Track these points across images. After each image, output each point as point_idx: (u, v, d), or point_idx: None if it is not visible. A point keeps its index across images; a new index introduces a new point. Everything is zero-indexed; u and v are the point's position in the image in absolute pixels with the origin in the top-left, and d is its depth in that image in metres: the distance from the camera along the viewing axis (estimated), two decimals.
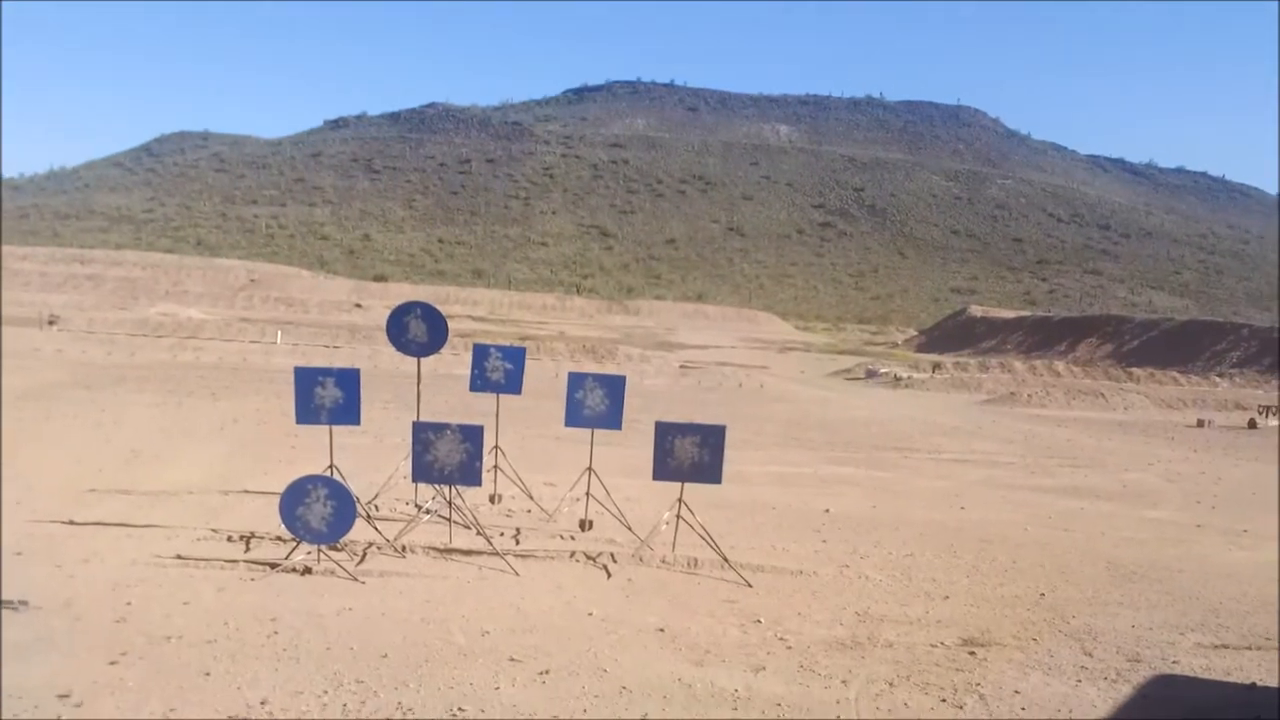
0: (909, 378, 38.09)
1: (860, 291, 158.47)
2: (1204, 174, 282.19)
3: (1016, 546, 10.71)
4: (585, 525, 9.72)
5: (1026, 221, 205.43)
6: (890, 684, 6.43)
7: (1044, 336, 71.39)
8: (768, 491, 12.76)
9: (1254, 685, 6.82)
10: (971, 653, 7.13)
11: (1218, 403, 36.33)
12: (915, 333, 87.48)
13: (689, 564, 8.86)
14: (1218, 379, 49.33)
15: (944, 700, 6.20)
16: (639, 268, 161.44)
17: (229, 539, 8.75)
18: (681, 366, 35.59)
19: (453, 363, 21.83)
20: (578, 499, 10.05)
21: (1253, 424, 29.78)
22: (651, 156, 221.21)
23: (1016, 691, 6.42)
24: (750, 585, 8.40)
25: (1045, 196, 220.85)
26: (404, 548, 8.62)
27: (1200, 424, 29.25)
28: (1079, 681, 6.68)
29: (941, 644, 7.29)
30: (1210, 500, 14.80)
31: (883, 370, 39.57)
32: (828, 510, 11.86)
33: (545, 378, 14.89)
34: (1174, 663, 7.19)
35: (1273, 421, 30.95)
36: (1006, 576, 9.36)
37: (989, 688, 6.44)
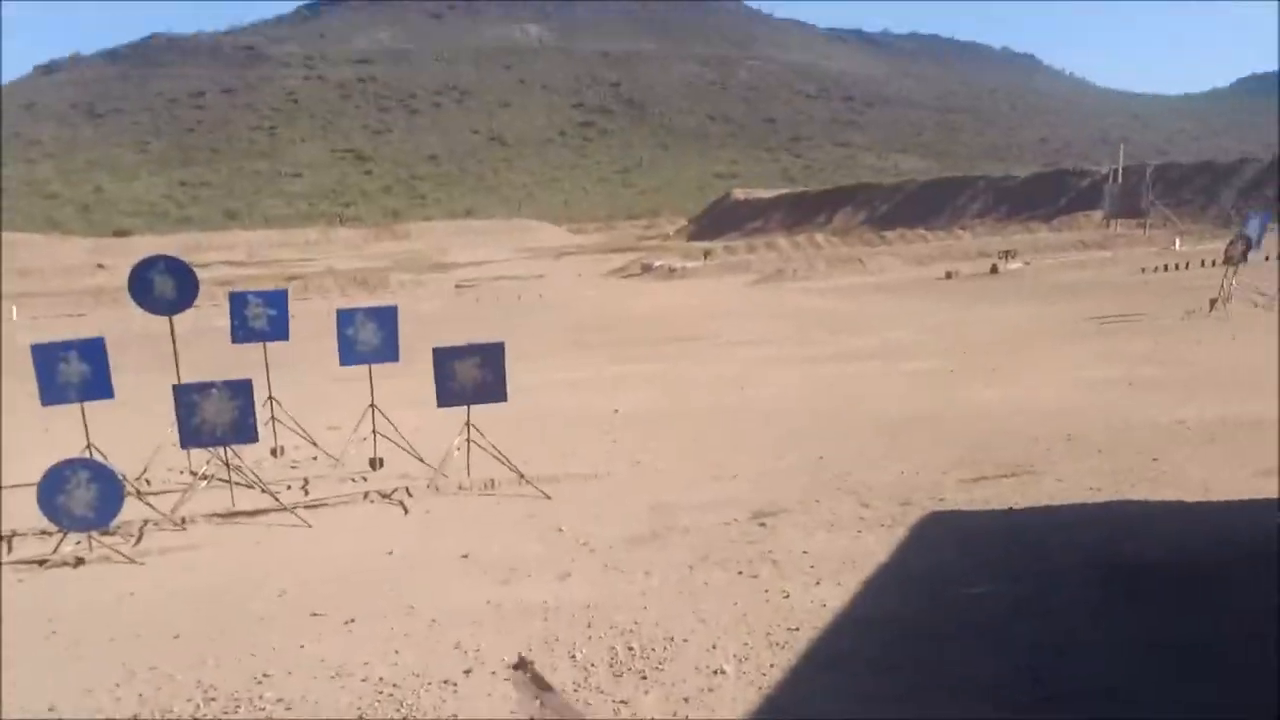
0: (683, 268, 38.99)
1: (628, 188, 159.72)
2: (934, 36, 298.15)
3: (794, 417, 11.28)
4: (376, 464, 9.55)
5: (777, 101, 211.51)
6: (690, 567, 6.70)
7: (804, 211, 74.37)
8: (556, 400, 12.88)
9: (1011, 510, 7.51)
10: (761, 524, 7.51)
11: (963, 253, 39.01)
12: (685, 222, 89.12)
13: (486, 485, 8.88)
14: (961, 231, 52.92)
15: (740, 573, 6.54)
16: (402, 189, 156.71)
17: None
18: (457, 286, 35.12)
19: (214, 315, 20.63)
20: (364, 438, 9.83)
21: (994, 269, 32.21)
22: (401, 70, 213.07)
23: (805, 552, 6.83)
24: (549, 497, 8.52)
25: (792, 74, 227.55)
26: (183, 520, 8.22)
27: (948, 275, 31.39)
28: (859, 533, 7.18)
29: (734, 520, 7.65)
30: (961, 346, 16.01)
31: (658, 263, 40.32)
32: (616, 410, 12.09)
33: (318, 317, 14.33)
34: (940, 500, 7.82)
35: (1013, 265, 33.56)
36: (787, 447, 9.86)
37: (780, 553, 6.83)
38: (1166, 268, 29.44)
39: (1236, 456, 8.70)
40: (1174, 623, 5.38)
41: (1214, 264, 24.07)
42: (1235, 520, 7.13)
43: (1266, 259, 22.54)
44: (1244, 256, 18.95)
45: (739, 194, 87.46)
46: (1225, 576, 6.01)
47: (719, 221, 78.65)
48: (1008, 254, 35.65)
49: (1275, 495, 7.54)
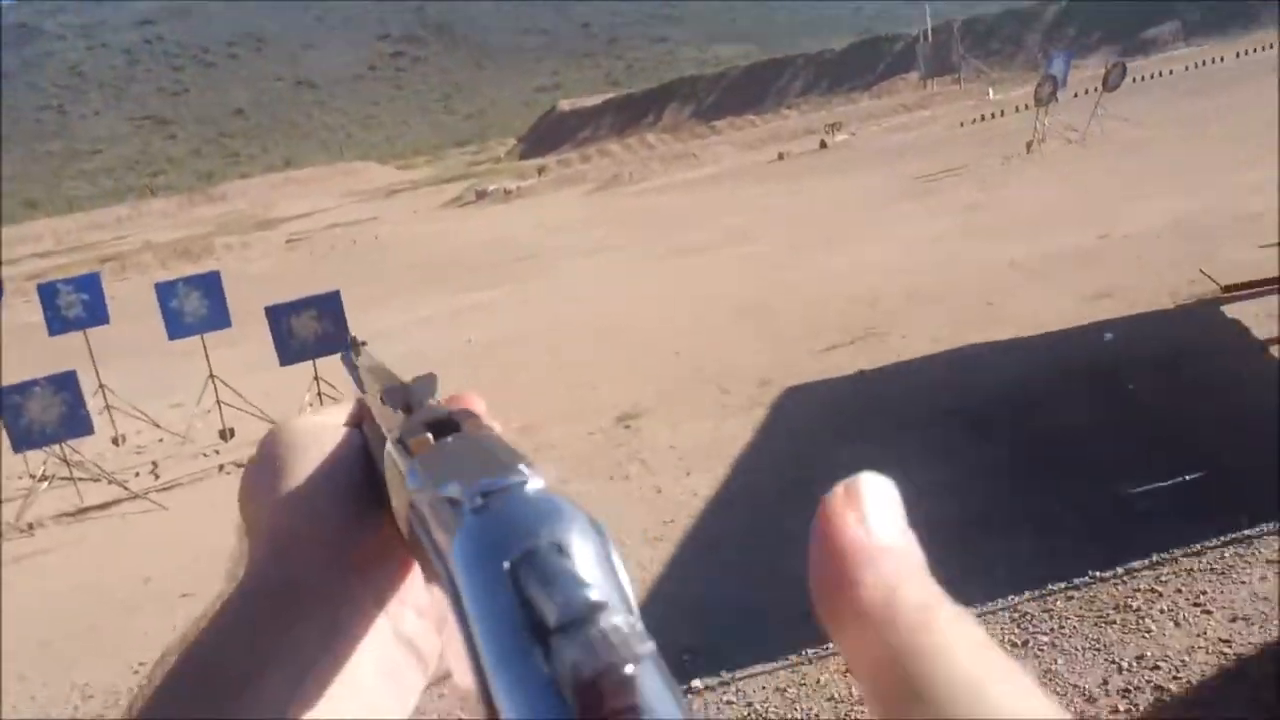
0: (518, 188, 38.47)
1: (451, 115, 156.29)
2: None
3: (645, 319, 11.34)
4: (226, 435, 9.21)
5: (589, 5, 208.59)
6: (562, 481, 6.72)
7: (632, 113, 74.13)
8: (407, 340, 12.61)
9: (861, 372, 7.76)
10: (626, 426, 7.58)
11: (791, 133, 39.57)
12: (515, 142, 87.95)
13: None
14: (787, 111, 53.66)
15: (612, 477, 6.60)
16: (211, 149, 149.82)
17: None
18: (288, 241, 33.87)
19: (27, 311, 19.46)
20: (209, 411, 9.46)
21: (823, 145, 32.79)
22: (189, 25, 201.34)
23: (672, 446, 6.93)
24: None
25: None
26: (30, 525, 7.80)
27: (780, 157, 31.81)
28: (722, 419, 7.31)
29: (600, 428, 7.69)
30: (798, 224, 16.32)
31: (492, 188, 39.65)
32: (469, 340, 11.94)
33: (143, 295, 13.61)
34: (796, 374, 8.01)
35: (840, 137, 34.22)
36: (643, 349, 9.92)
37: (647, 452, 6.91)
38: (984, 118, 30.54)
39: (1063, 287, 9.17)
40: (1021, 448, 5.69)
41: (1027, 108, 25.04)
42: (1067, 347, 7.53)
43: (1075, 96, 23.54)
44: (1053, 96, 19.75)
45: (565, 105, 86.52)
46: (1062, 397, 6.36)
47: (549, 136, 77.81)
48: (834, 127, 36.33)
49: (1102, 318, 7.99)
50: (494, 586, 0.22)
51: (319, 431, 0.50)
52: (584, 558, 0.23)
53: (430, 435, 0.36)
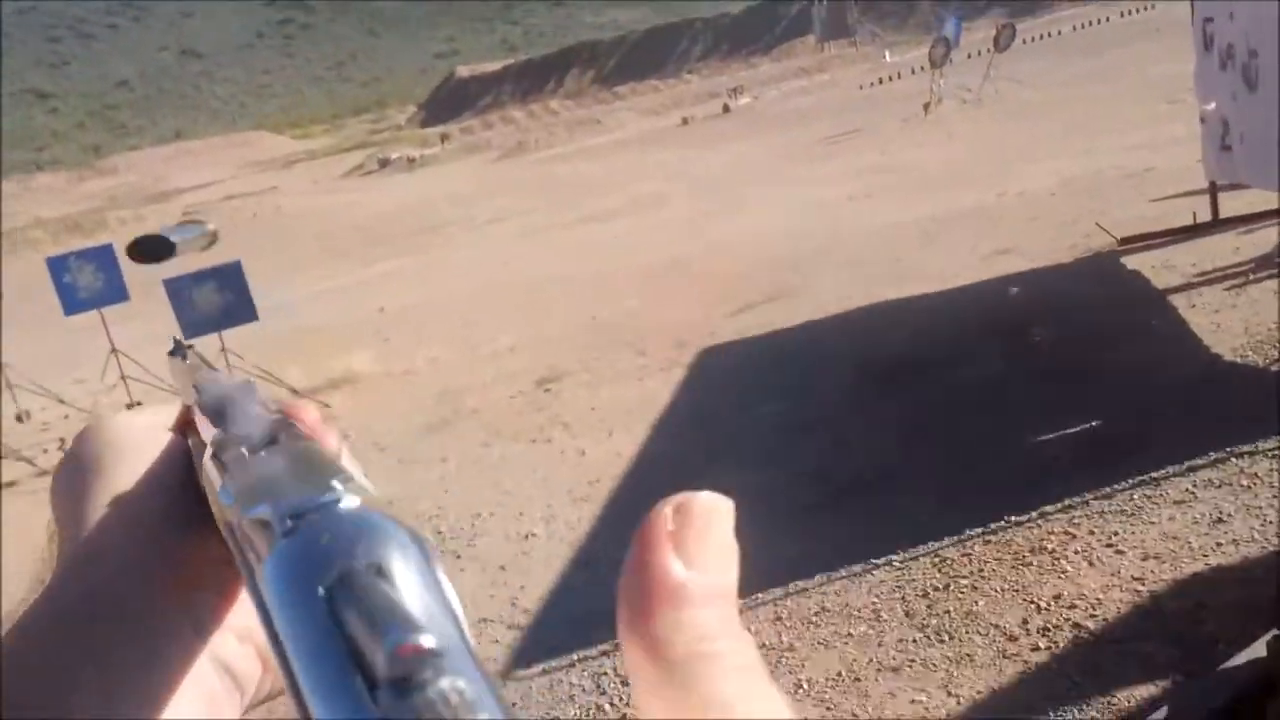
0: (422, 156, 37.86)
1: (346, 82, 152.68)
2: None
3: (559, 284, 11.32)
4: (133, 409, 8.94)
5: None
6: (485, 445, 6.72)
7: (533, 79, 73.42)
8: (318, 311, 12.42)
9: (775, 332, 7.88)
10: (547, 390, 7.59)
11: (694, 98, 39.66)
12: (415, 109, 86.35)
13: None
14: (689, 76, 53.72)
15: (534, 441, 6.61)
16: (97, 122, 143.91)
17: None
18: (185, 215, 32.84)
19: None
20: (113, 385, 9.19)
21: (726, 109, 32.95)
22: None
23: (593, 409, 6.97)
24: (329, 405, 8.27)
25: None
26: None
27: (685, 121, 31.87)
28: (641, 380, 7.37)
29: (520, 392, 7.68)
30: (706, 188, 16.43)
31: (395, 156, 38.96)
32: (382, 309, 11.79)
33: (36, 272, 13.08)
34: (711, 335, 8.10)
35: (743, 100, 34.41)
36: (558, 314, 9.92)
37: (569, 415, 6.94)
38: (881, 81, 31.00)
39: (966, 244, 9.40)
40: (934, 400, 5.85)
41: (923, 70, 25.50)
42: (973, 301, 7.75)
43: (968, 57, 24.04)
44: (946, 58, 20.17)
45: (464, 71, 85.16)
46: (971, 350, 6.55)
47: (449, 103, 76.61)
48: (736, 91, 36.52)
49: (1004, 273, 8.23)
50: (309, 615, 0.21)
51: (141, 433, 0.46)
52: (405, 579, 0.21)
53: (245, 450, 0.35)
